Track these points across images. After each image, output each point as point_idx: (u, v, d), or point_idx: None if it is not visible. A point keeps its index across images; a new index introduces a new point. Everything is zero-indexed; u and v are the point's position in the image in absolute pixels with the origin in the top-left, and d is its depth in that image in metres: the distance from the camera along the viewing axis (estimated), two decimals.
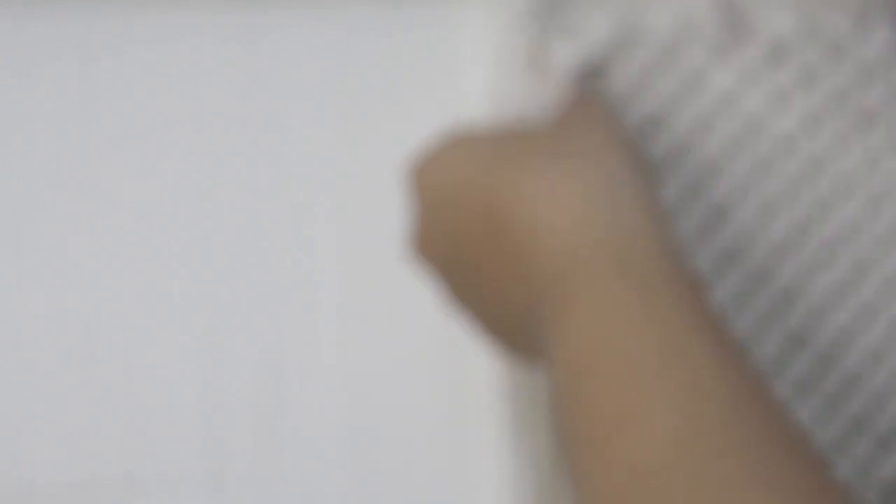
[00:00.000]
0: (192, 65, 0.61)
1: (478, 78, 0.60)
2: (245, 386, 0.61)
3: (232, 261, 0.61)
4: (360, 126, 0.61)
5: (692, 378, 0.45)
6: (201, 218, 0.61)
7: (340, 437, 0.61)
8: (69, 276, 0.60)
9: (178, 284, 0.61)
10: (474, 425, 0.61)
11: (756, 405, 0.45)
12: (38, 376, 0.60)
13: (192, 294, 0.61)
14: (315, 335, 0.61)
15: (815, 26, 0.59)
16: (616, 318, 0.46)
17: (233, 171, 0.61)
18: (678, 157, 0.60)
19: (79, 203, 0.60)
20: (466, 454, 0.61)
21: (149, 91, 0.61)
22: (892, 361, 0.60)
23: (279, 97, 0.61)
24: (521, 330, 0.52)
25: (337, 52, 0.61)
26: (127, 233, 0.60)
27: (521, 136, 0.53)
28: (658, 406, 0.44)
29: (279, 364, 0.61)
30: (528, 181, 0.50)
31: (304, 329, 0.61)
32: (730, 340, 0.47)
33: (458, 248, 0.53)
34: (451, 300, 0.56)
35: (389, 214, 0.61)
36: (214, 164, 0.61)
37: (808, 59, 0.59)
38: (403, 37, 0.61)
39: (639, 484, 0.43)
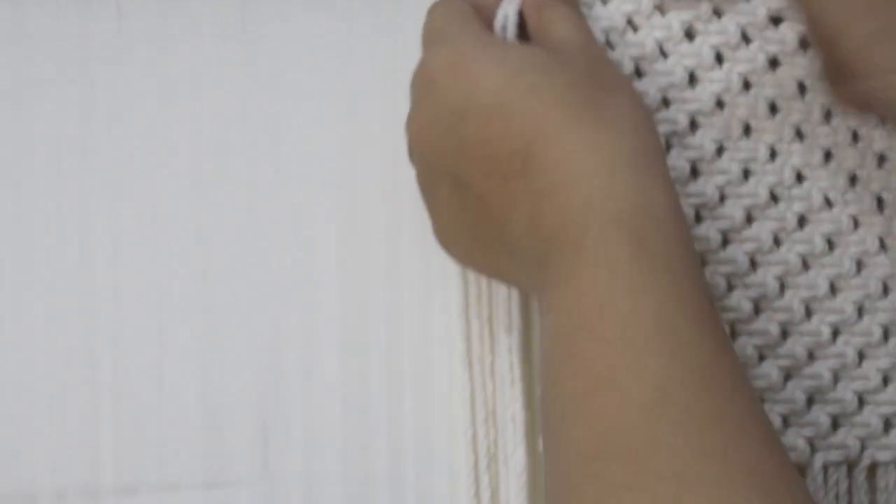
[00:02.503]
0: (193, 65, 0.61)
1: None
2: (245, 386, 0.61)
3: (232, 261, 0.61)
4: (360, 126, 0.61)
5: (676, 351, 0.48)
6: (201, 218, 0.61)
7: (340, 437, 0.61)
8: (69, 277, 0.60)
9: (178, 284, 0.61)
10: (472, 425, 0.61)
11: (727, 383, 0.48)
12: (37, 378, 0.60)
13: (192, 294, 0.61)
14: (315, 335, 0.61)
15: None
16: (619, 284, 0.49)
17: (233, 171, 0.61)
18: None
19: (78, 203, 0.60)
20: (464, 454, 0.61)
21: (149, 91, 0.61)
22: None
23: (279, 97, 0.61)
24: (507, 258, 0.54)
25: (337, 52, 0.61)
26: (126, 233, 0.60)
27: (566, 73, 0.52)
28: (641, 372, 0.48)
29: (279, 364, 0.61)
30: (572, 134, 0.51)
31: (304, 329, 0.61)
32: (717, 321, 0.50)
33: (469, 163, 0.53)
34: (431, 210, 0.56)
35: (389, 214, 0.61)
36: (214, 164, 0.61)
37: None
38: (403, 37, 0.61)
39: (606, 441, 0.47)
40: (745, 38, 0.60)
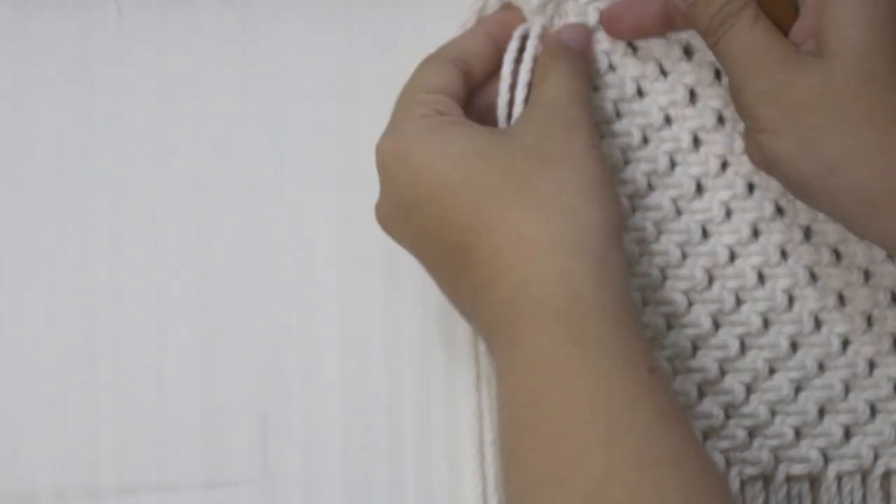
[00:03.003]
0: (193, 65, 0.61)
1: None
2: (245, 386, 0.61)
3: (232, 261, 0.61)
4: (360, 126, 0.61)
5: (614, 433, 0.48)
6: (201, 218, 0.61)
7: (340, 437, 0.61)
8: (69, 277, 0.60)
9: (178, 284, 0.61)
10: (471, 424, 0.61)
11: (669, 455, 0.48)
12: (37, 378, 0.60)
13: (192, 294, 0.61)
14: (315, 335, 0.61)
15: None
16: (550, 373, 0.49)
17: (233, 171, 0.61)
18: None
19: (78, 203, 0.60)
20: (464, 454, 0.61)
21: (149, 91, 0.61)
22: None
23: (279, 97, 0.61)
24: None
25: (336, 53, 0.61)
26: (126, 233, 0.61)
27: (505, 157, 0.53)
28: (580, 462, 0.47)
29: (279, 364, 0.61)
30: (503, 226, 0.51)
31: (304, 329, 0.61)
32: (657, 390, 0.49)
33: (424, 251, 0.54)
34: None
35: None
36: (214, 164, 0.61)
37: None
38: (403, 37, 0.61)
39: None
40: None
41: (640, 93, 0.60)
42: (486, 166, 0.52)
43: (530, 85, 0.57)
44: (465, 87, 0.56)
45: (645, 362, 0.49)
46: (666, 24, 0.58)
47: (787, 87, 0.52)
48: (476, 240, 0.52)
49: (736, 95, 0.54)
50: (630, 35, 0.59)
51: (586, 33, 0.59)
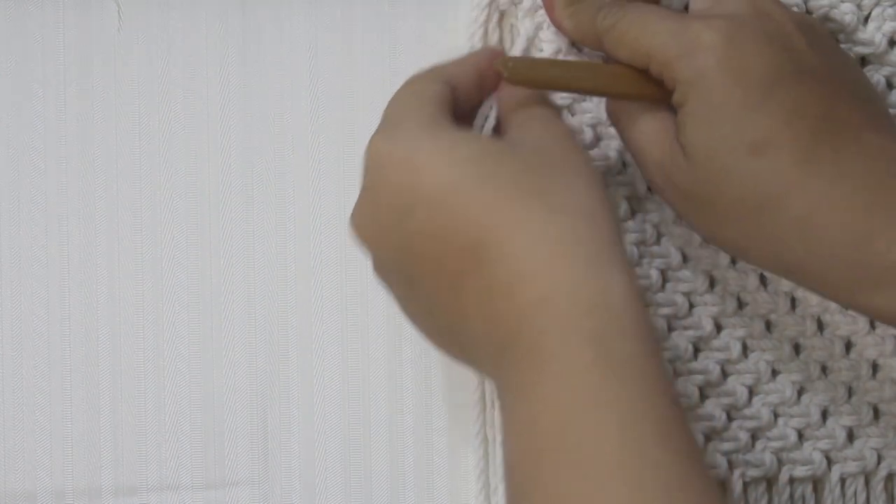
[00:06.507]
0: (193, 65, 0.61)
1: None
2: (245, 387, 0.61)
3: (232, 262, 0.61)
4: (360, 126, 0.61)
5: (643, 475, 0.45)
6: (201, 218, 0.61)
7: (340, 438, 0.61)
8: (69, 277, 0.60)
9: (178, 285, 0.61)
10: (472, 428, 0.61)
11: (694, 499, 0.46)
12: (37, 378, 0.60)
13: (192, 294, 0.61)
14: (315, 336, 0.61)
15: None
16: (580, 398, 0.46)
17: (233, 172, 0.61)
18: None
19: (78, 203, 0.60)
20: (465, 454, 0.61)
21: (148, 91, 0.61)
22: None
23: (279, 97, 0.61)
24: (465, 354, 0.52)
25: (336, 53, 0.61)
26: (126, 233, 0.61)
27: (515, 161, 0.50)
28: (608, 497, 0.45)
29: (279, 366, 0.61)
30: (524, 226, 0.49)
31: (304, 330, 0.61)
32: (680, 421, 0.47)
33: (418, 257, 0.51)
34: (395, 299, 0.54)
35: None
36: (214, 165, 0.61)
37: None
38: (403, 36, 0.60)
39: None
40: None
41: None
42: (497, 168, 0.50)
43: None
44: (451, 107, 0.54)
45: (670, 391, 0.47)
46: None
47: (665, 186, 0.54)
48: (496, 237, 0.48)
49: None
50: None
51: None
